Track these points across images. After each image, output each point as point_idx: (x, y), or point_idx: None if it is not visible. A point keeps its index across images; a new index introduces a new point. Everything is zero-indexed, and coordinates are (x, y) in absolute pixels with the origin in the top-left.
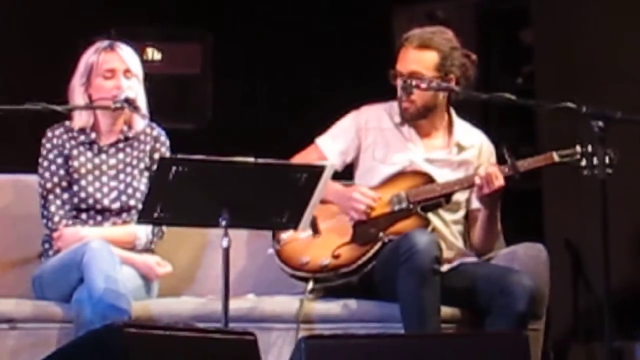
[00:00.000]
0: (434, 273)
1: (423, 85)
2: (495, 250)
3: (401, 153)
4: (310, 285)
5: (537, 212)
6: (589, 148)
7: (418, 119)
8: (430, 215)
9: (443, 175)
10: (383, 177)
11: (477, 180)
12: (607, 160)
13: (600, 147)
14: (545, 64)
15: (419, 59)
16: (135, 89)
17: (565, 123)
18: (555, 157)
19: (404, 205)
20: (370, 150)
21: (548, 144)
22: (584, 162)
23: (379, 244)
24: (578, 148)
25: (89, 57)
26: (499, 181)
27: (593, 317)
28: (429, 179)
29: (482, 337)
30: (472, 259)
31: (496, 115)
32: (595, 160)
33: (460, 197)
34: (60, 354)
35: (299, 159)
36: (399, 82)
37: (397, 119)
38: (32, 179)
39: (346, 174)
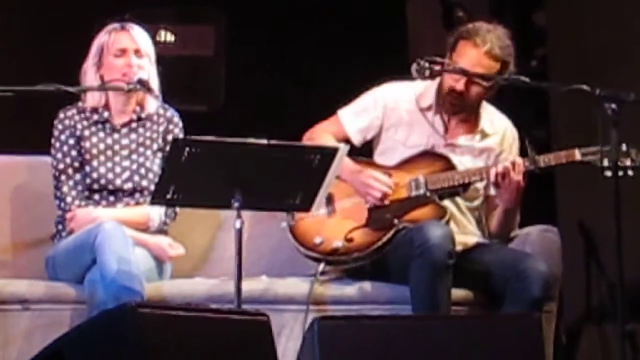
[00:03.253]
0: (447, 269)
1: (485, 83)
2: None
3: (423, 136)
4: (322, 267)
5: (551, 194)
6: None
7: (464, 111)
8: (447, 201)
9: (463, 163)
10: (402, 159)
11: (492, 178)
12: (629, 162)
13: (615, 133)
14: (558, 47)
15: (487, 66)
16: (146, 69)
17: (578, 106)
18: (578, 155)
19: (421, 191)
20: (392, 130)
21: (562, 126)
22: (606, 163)
23: (393, 231)
24: (601, 147)
25: (100, 38)
26: (517, 176)
27: (606, 300)
28: (448, 165)
29: (494, 319)
30: (487, 242)
31: (510, 98)
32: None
33: (479, 184)
34: (74, 334)
35: (319, 130)
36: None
37: (423, 104)
38: (46, 160)
39: (365, 150)
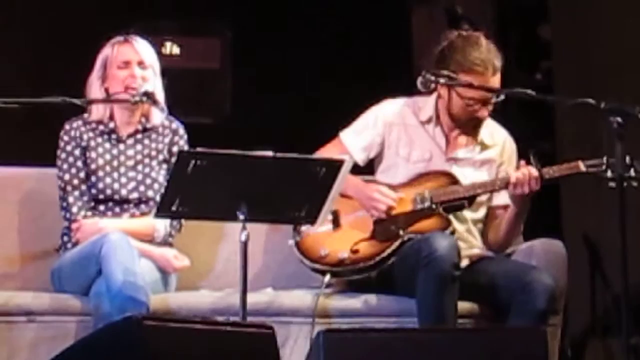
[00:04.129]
0: (453, 279)
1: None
2: (514, 245)
3: (425, 151)
4: (327, 278)
5: (555, 207)
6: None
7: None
8: (453, 218)
9: (465, 174)
10: (405, 175)
11: (513, 179)
12: (632, 173)
13: (620, 146)
14: (563, 60)
15: (495, 83)
16: (151, 80)
17: (584, 119)
18: (582, 166)
19: (426, 204)
20: (394, 146)
21: (567, 139)
22: (609, 174)
23: (398, 242)
24: (605, 159)
25: (104, 51)
26: (532, 184)
27: (610, 313)
28: (452, 180)
29: (500, 332)
30: (491, 254)
31: (515, 111)
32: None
33: (482, 195)
34: (80, 346)
35: (322, 152)
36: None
37: (422, 117)
38: (52, 171)
39: (367, 167)
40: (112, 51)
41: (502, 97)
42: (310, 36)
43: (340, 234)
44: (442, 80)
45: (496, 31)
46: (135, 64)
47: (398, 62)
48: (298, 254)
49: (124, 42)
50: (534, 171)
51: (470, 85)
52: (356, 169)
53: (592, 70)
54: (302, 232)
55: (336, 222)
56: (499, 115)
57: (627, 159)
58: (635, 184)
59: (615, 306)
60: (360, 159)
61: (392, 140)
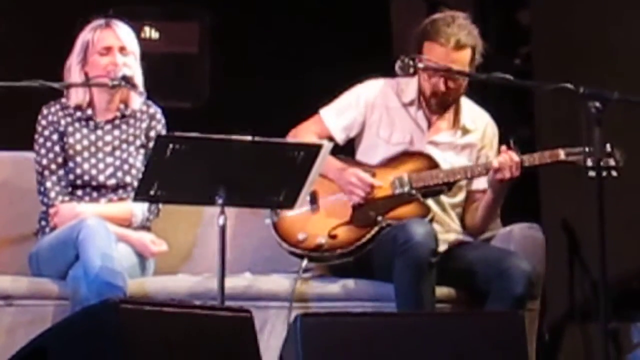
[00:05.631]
0: (430, 266)
1: (431, 65)
2: (492, 231)
3: (406, 133)
4: (305, 263)
5: (534, 193)
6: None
7: (448, 107)
8: (430, 200)
9: (446, 159)
10: (384, 156)
11: (496, 164)
12: (612, 162)
13: (598, 131)
14: (542, 45)
15: (457, 59)
16: (132, 66)
17: (562, 104)
18: (562, 155)
19: (405, 189)
20: (374, 127)
21: (546, 125)
22: (589, 163)
23: (376, 228)
24: (585, 148)
25: (85, 35)
26: (513, 170)
27: (589, 299)
28: (432, 163)
29: (477, 316)
30: (470, 239)
31: (494, 96)
32: (601, 163)
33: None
34: (57, 330)
35: (301, 130)
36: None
37: (405, 99)
38: (29, 156)
39: (347, 148)
40: (94, 36)
41: (468, 78)
42: (289, 21)
43: (318, 217)
44: (420, 65)
45: (475, 17)
46: (117, 49)
47: (378, 46)
48: (276, 235)
49: (105, 27)
50: (515, 157)
51: (447, 70)
52: (337, 149)
53: (571, 56)
54: (280, 212)
55: (314, 204)
56: (478, 100)
57: (608, 147)
58: (615, 173)
59: (593, 291)
60: (341, 138)
61: (373, 121)
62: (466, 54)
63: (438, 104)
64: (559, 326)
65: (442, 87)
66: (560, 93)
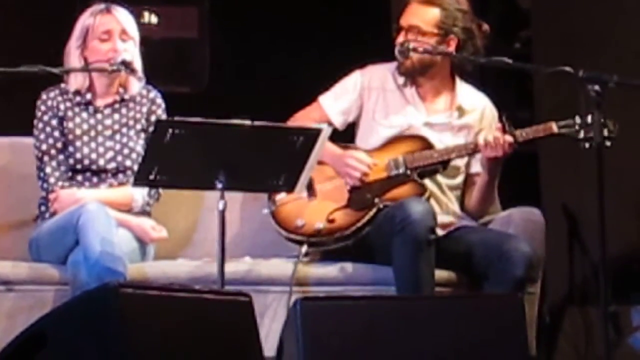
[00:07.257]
0: (428, 244)
1: (420, 49)
2: (491, 214)
3: (401, 115)
4: (305, 248)
5: (534, 176)
6: (588, 119)
7: (416, 76)
8: (428, 181)
9: (443, 140)
10: (381, 139)
11: (481, 141)
12: (605, 132)
13: (597, 114)
14: (543, 29)
15: (421, 13)
16: (131, 52)
17: (562, 87)
18: (554, 127)
19: (400, 170)
20: (371, 111)
21: (545, 108)
22: (582, 135)
23: (374, 210)
24: (577, 119)
25: (85, 20)
26: (505, 147)
27: (589, 281)
28: (427, 144)
29: (477, 299)
30: (469, 223)
31: (493, 80)
32: (593, 133)
33: (459, 162)
34: (56, 314)
35: (301, 116)
36: (397, 45)
37: (401, 80)
38: (29, 141)
39: (348, 133)
40: (94, 21)
41: (421, 49)
42: (289, 4)
43: (315, 204)
44: (420, 49)
45: (476, 0)
46: (117, 34)
47: (378, 29)
48: (274, 224)
49: (105, 11)
50: (504, 135)
51: (444, 54)
52: (336, 134)
53: (571, 40)
54: (277, 200)
55: (311, 190)
56: (477, 83)
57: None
58: (608, 143)
59: (593, 274)
60: (339, 122)
61: (370, 104)
62: (431, 11)
63: (411, 72)
64: (559, 309)
65: (399, 39)
66: (560, 76)
